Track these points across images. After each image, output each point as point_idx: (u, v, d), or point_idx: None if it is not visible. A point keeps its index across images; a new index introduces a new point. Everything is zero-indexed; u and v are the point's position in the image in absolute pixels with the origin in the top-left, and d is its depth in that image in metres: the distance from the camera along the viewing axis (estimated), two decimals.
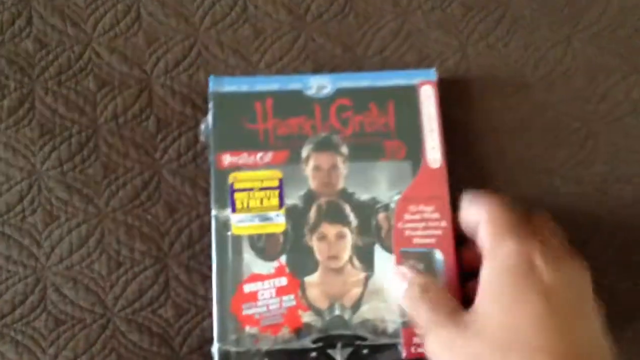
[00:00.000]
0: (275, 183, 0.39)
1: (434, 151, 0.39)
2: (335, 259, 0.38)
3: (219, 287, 0.38)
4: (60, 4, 0.44)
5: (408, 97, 0.40)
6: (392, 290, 0.37)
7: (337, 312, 0.38)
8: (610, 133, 0.44)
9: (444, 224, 0.38)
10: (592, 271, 0.33)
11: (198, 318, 0.40)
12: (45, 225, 0.41)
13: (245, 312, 0.37)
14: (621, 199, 0.42)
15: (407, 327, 0.37)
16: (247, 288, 0.38)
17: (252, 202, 0.39)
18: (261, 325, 0.37)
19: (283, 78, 0.41)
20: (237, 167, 0.39)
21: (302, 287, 0.38)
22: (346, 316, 0.37)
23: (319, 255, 0.38)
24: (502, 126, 0.43)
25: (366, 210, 0.39)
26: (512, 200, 0.35)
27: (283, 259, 0.38)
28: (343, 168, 0.39)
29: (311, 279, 0.38)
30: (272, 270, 0.38)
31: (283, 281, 0.38)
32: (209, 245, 0.38)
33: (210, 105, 0.40)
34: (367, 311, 0.38)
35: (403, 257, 0.38)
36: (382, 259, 0.38)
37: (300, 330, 0.37)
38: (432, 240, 0.38)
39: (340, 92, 0.40)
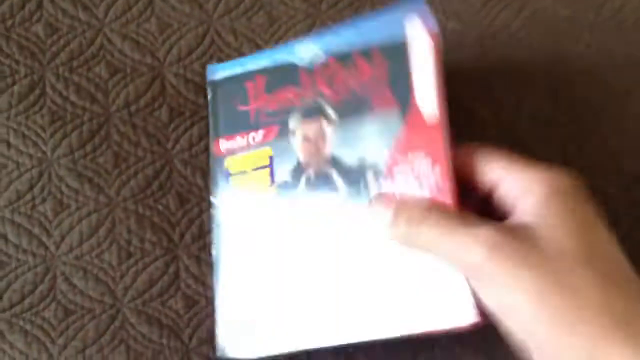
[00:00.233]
0: (266, 161, 0.38)
1: (426, 99, 0.35)
2: None
3: (220, 273, 0.38)
4: None
5: (396, 48, 0.36)
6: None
7: None
8: None
9: (438, 177, 0.34)
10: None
11: (208, 310, 0.40)
12: (56, 214, 0.40)
13: None
14: None
15: None
16: None
17: (247, 186, 0.38)
18: None
19: (271, 51, 0.39)
20: (232, 152, 0.39)
21: None
22: None
23: None
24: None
25: (355, 174, 0.36)
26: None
27: None
28: (330, 132, 0.37)
29: None
30: None
31: None
32: None
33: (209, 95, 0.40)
34: None
35: None
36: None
37: None
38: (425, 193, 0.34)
39: (328, 54, 0.38)
